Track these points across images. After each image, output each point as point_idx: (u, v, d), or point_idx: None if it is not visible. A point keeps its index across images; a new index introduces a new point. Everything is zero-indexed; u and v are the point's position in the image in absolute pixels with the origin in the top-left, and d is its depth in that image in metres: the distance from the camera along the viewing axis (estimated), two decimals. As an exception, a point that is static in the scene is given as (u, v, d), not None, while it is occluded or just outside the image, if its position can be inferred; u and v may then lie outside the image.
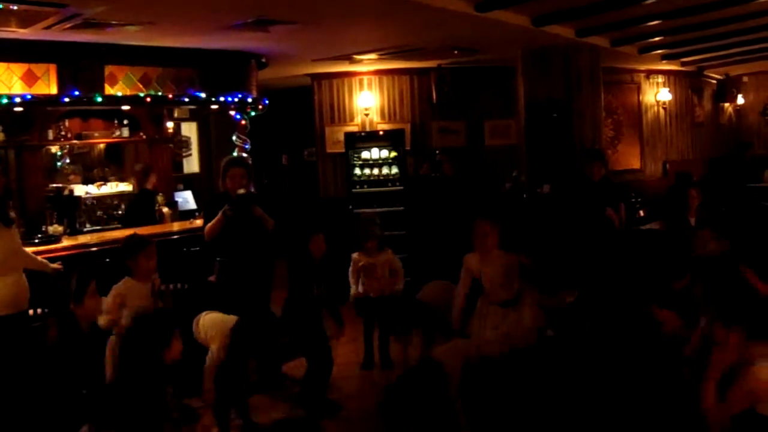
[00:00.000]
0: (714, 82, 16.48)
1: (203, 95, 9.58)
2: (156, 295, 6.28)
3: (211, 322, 6.28)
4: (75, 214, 9.54)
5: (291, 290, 7.19)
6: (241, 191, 7.14)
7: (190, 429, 5.97)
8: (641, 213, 12.27)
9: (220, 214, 7.06)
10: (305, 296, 7.05)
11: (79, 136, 10.32)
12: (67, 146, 10.39)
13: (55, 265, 6.88)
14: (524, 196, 11.20)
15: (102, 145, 10.94)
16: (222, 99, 9.75)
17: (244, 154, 9.94)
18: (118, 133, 10.59)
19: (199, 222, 9.10)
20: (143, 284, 6.20)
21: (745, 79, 16.79)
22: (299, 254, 7.14)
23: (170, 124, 11.51)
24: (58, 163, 10.56)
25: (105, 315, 5.85)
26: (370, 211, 11.07)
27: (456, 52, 11.14)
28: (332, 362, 7.08)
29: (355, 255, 8.18)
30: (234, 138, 10.12)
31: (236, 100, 9.89)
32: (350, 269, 8.17)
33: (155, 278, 6.39)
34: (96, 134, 10.55)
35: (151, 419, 4.20)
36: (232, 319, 6.16)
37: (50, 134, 9.86)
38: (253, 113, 10.36)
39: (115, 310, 5.87)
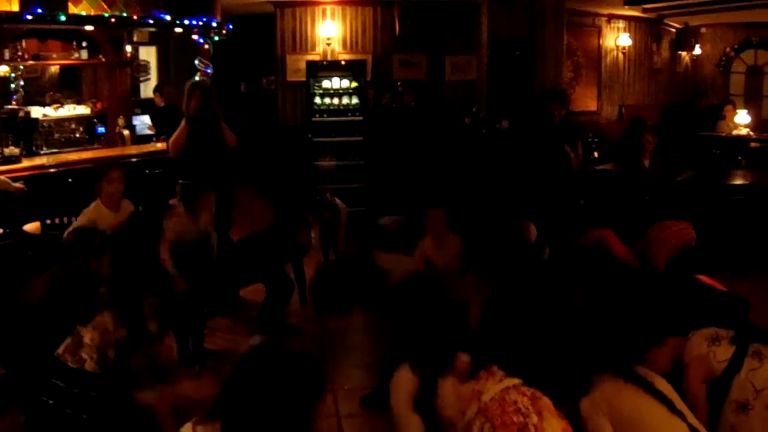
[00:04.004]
0: (673, 30, 16.62)
1: (168, 17, 9.45)
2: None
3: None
4: (32, 136, 9.44)
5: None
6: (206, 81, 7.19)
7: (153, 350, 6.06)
8: (596, 154, 12.45)
9: (183, 121, 7.10)
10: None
11: (36, 57, 10.06)
12: (21, 68, 10.12)
13: (17, 185, 6.89)
14: (483, 131, 11.31)
15: (55, 68, 10.70)
16: (186, 22, 9.65)
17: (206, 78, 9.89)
18: (76, 55, 10.33)
19: (160, 145, 9.09)
20: (110, 208, 6.27)
21: (704, 30, 16.96)
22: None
23: (128, 48, 11.34)
24: (12, 85, 10.31)
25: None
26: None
27: (423, -15, 11.11)
28: (292, 287, 7.18)
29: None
30: (196, 62, 10.03)
31: (200, 23, 9.79)
32: None
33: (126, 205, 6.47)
34: (54, 56, 10.30)
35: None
36: None
37: (6, 54, 9.52)
38: (216, 38, 10.27)
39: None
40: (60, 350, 4.21)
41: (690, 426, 3.26)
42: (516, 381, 3.20)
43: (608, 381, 3.32)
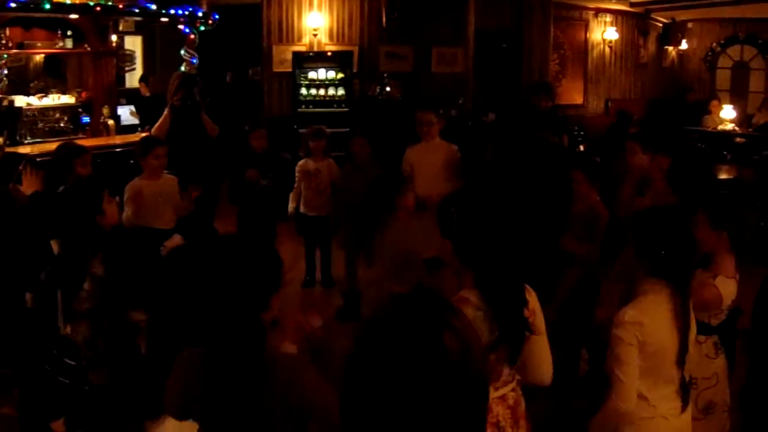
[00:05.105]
0: (660, 25, 16.66)
1: (154, 7, 9.41)
2: None
3: None
4: (16, 125, 9.38)
5: (233, 180, 7.35)
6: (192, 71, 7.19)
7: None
8: (581, 147, 12.47)
9: (166, 110, 7.08)
10: (248, 186, 7.20)
11: (20, 46, 9.96)
12: (5, 56, 10.02)
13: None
14: (469, 123, 11.31)
15: (40, 57, 10.61)
16: (172, 12, 9.62)
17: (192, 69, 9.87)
18: (61, 44, 10.27)
19: (144, 135, 9.04)
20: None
21: (690, 25, 17.00)
22: (241, 147, 7.23)
23: (114, 37, 11.26)
24: (-5, 73, 10.25)
25: None
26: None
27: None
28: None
29: (300, 162, 8.09)
30: (182, 52, 10.01)
31: (186, 13, 9.77)
32: (294, 185, 8.13)
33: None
34: (38, 44, 10.20)
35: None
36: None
37: (-10, 42, 9.54)
38: (202, 28, 10.24)
39: None
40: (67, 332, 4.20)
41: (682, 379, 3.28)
42: (509, 387, 3.04)
43: (660, 297, 3.22)
